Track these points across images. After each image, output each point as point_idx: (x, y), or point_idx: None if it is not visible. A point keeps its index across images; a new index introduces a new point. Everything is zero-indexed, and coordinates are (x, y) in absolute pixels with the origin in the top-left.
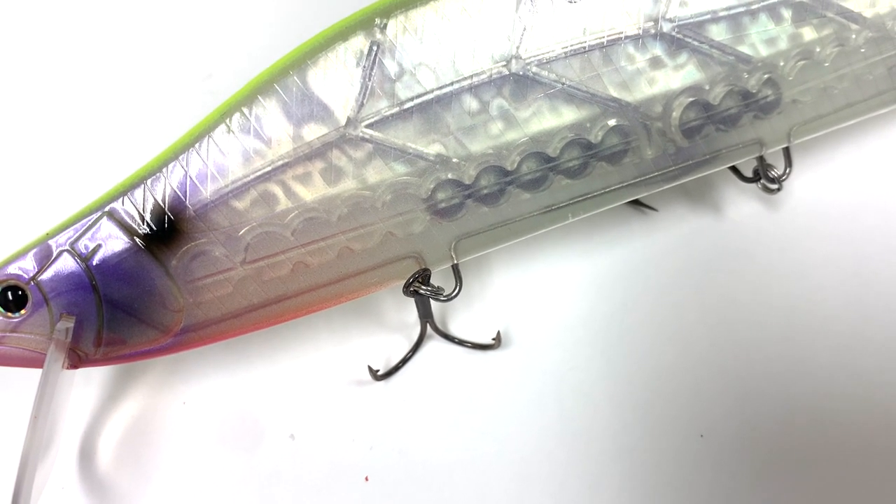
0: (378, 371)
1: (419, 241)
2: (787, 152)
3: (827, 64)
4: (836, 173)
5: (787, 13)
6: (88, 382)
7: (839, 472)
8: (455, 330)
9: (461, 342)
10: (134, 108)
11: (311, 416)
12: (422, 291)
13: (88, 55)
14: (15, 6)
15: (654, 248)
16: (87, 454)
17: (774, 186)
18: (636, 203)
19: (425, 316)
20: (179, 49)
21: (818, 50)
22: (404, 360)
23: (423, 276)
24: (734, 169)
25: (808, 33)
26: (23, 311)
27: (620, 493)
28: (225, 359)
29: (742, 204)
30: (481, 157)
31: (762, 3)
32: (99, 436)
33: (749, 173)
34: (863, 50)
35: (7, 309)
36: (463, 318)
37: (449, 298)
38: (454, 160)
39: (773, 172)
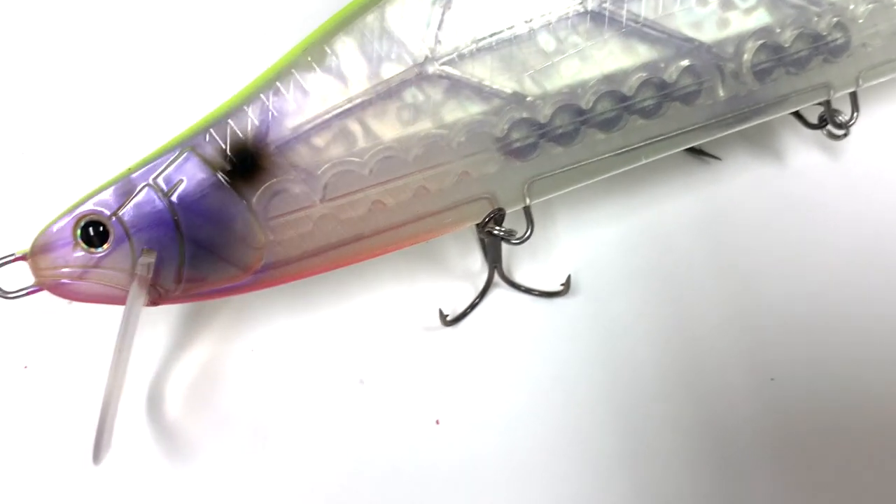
0: (447, 315)
1: (493, 182)
2: (853, 97)
3: None
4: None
5: None
6: (154, 328)
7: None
8: (519, 279)
9: (528, 290)
10: (210, 44)
11: (380, 360)
12: (496, 232)
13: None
14: None
15: (718, 197)
16: (155, 401)
17: (841, 132)
18: (699, 153)
19: (494, 261)
20: None
21: None
22: (472, 306)
23: (498, 216)
24: (799, 116)
25: None
26: (105, 246)
27: (687, 440)
28: (292, 304)
29: (804, 152)
30: (556, 95)
31: None
32: (166, 383)
33: (814, 120)
34: None
35: (89, 244)
36: (527, 267)
37: (522, 241)
38: (529, 98)
39: (839, 118)
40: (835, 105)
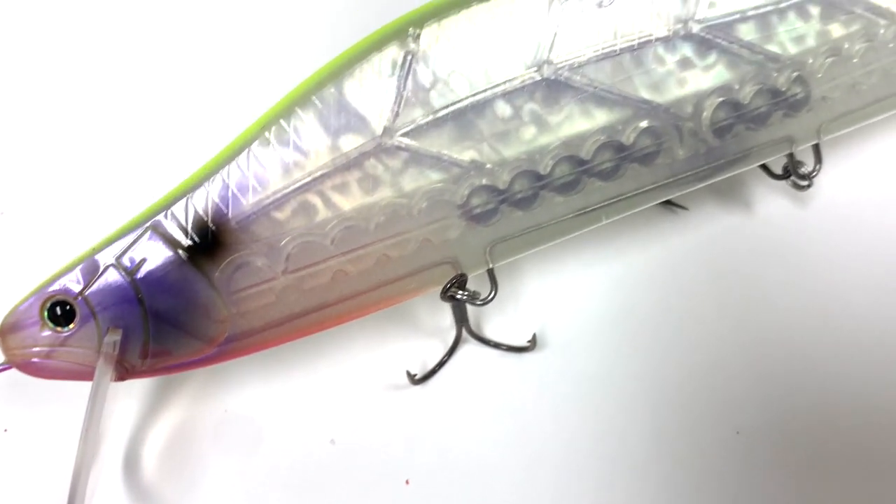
0: (415, 375)
1: (455, 247)
2: (816, 149)
3: (856, 60)
4: (866, 169)
5: (815, 10)
6: (130, 394)
7: (873, 468)
8: (489, 333)
9: (497, 345)
10: (171, 124)
11: (351, 420)
12: (459, 296)
13: (131, 76)
14: (50, 35)
15: (686, 246)
16: (131, 464)
17: (805, 183)
18: (667, 203)
19: (461, 320)
20: (216, 64)
21: (846, 46)
22: (441, 364)
23: (460, 282)
24: (764, 167)
25: (837, 30)
26: (71, 326)
27: (658, 492)
28: (264, 366)
29: (772, 201)
30: (515, 161)
31: (790, 2)
32: (143, 445)
33: (779, 170)
34: (891, 45)
35: (56, 323)
36: (497, 321)
37: (485, 302)
38: (488, 166)
39: (803, 169)
40: (801, 156)
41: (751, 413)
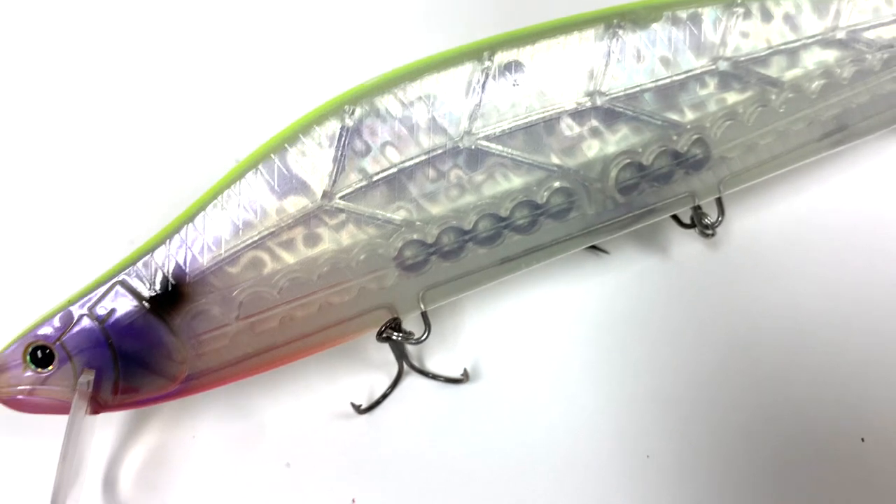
0: (360, 406)
1: (390, 294)
2: (719, 202)
3: (750, 123)
4: (774, 214)
5: (711, 81)
6: (109, 423)
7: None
8: (431, 366)
9: (434, 377)
10: (140, 179)
11: (305, 445)
12: (394, 337)
13: (96, 136)
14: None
15: (608, 287)
16: (109, 485)
17: (709, 232)
18: (592, 247)
19: (401, 356)
20: (170, 129)
21: (742, 111)
22: (384, 396)
23: (395, 324)
24: (674, 217)
25: (732, 97)
26: (50, 367)
27: None
28: (229, 396)
29: (686, 245)
30: (441, 219)
31: (688, 74)
32: (120, 468)
33: (687, 220)
34: (782, 109)
35: (37, 365)
36: (439, 356)
37: (419, 341)
38: (418, 223)
39: (707, 220)
40: (707, 207)
41: (659, 438)
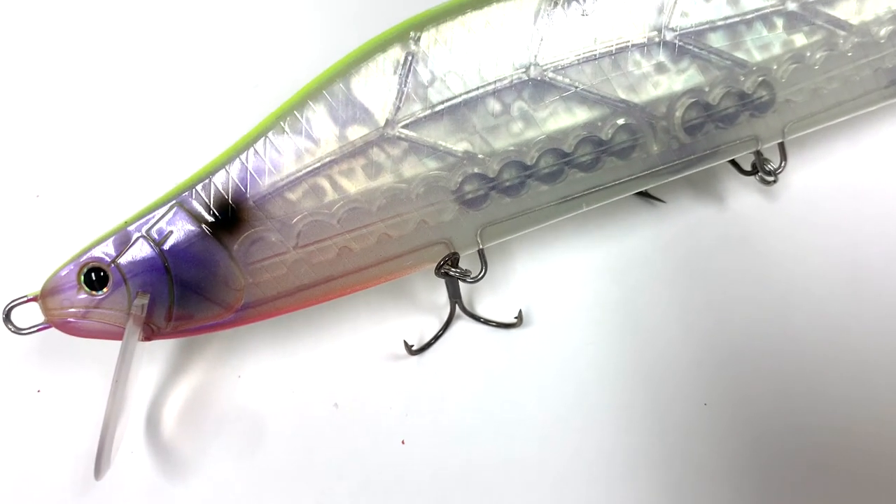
0: (413, 346)
1: (448, 229)
2: (782, 147)
3: (817, 67)
4: (832, 166)
5: (779, 22)
6: (153, 359)
7: (830, 444)
8: (481, 311)
9: (486, 321)
10: (197, 114)
11: (353, 386)
12: (451, 273)
13: (162, 69)
14: (87, 26)
15: (663, 236)
16: (153, 422)
17: (771, 179)
18: (645, 195)
19: (454, 296)
20: (234, 61)
21: (808, 54)
22: (436, 338)
23: (453, 260)
24: (734, 163)
25: (800, 39)
26: (105, 290)
27: (630, 458)
28: (275, 334)
29: (743, 195)
30: (503, 153)
31: (756, 13)
32: (164, 406)
33: (748, 167)
34: (850, 54)
35: (91, 287)
36: (489, 300)
37: (476, 280)
38: (479, 156)
39: (769, 166)
40: (769, 154)
41: (718, 387)
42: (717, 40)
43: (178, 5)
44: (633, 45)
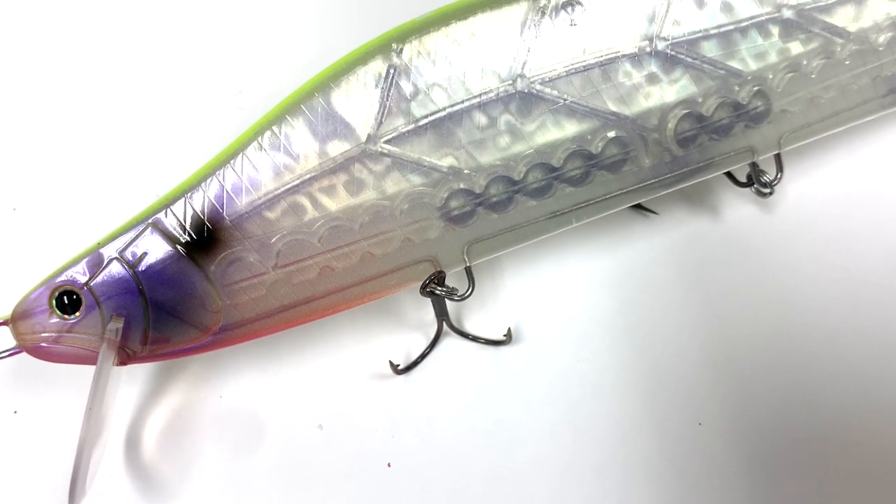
0: (399, 365)
1: (434, 246)
2: (778, 158)
3: (814, 76)
4: (829, 176)
5: (775, 29)
6: (133, 379)
7: (830, 457)
8: (469, 327)
9: (475, 338)
10: (171, 126)
11: (338, 407)
12: (437, 292)
13: (133, 84)
14: (59, 35)
15: (656, 249)
16: (132, 444)
17: (767, 191)
18: (638, 207)
19: (441, 314)
20: (212, 68)
21: (805, 63)
22: (423, 356)
23: (438, 278)
24: (729, 174)
25: (796, 47)
26: (77, 314)
27: (624, 476)
28: (258, 356)
29: (738, 207)
30: (490, 168)
31: (751, 21)
32: (144, 427)
33: (743, 178)
34: (847, 62)
35: (63, 311)
36: (477, 316)
37: (463, 298)
38: (465, 171)
39: (765, 177)
40: (764, 165)
41: (713, 405)
42: (710, 49)
43: (157, 14)
44: (623, 56)
